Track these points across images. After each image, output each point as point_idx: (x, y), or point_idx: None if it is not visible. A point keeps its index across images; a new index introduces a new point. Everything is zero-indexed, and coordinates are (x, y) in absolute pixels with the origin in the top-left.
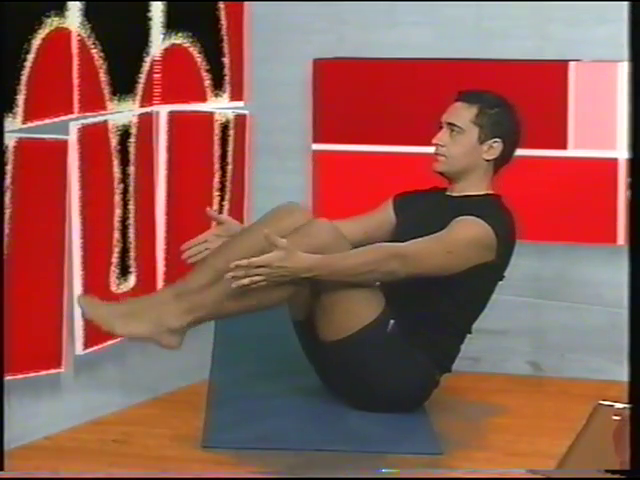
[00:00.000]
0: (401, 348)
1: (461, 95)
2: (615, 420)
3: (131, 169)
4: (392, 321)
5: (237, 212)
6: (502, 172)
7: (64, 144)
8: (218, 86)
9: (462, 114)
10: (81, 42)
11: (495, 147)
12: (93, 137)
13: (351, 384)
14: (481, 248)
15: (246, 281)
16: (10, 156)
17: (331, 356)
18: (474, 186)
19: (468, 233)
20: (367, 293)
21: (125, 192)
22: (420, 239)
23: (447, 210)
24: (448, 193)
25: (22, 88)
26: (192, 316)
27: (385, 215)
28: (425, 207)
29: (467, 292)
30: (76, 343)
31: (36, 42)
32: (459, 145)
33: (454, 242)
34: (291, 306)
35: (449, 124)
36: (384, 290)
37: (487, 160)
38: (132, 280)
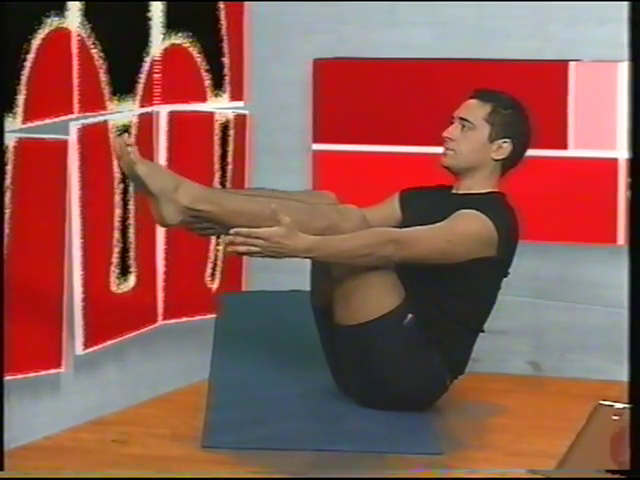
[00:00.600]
0: (416, 345)
1: (476, 93)
2: (615, 420)
3: None
4: (410, 315)
5: None
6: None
7: (64, 144)
8: (218, 86)
9: (475, 110)
10: (81, 42)
11: (504, 147)
12: (93, 137)
13: (360, 373)
14: (481, 241)
15: (242, 249)
16: (10, 156)
17: (345, 341)
18: (480, 184)
19: (468, 225)
20: (388, 283)
21: (125, 192)
22: (420, 227)
23: (451, 206)
24: (454, 191)
25: (22, 88)
26: (204, 205)
27: (390, 209)
28: (430, 203)
29: (471, 289)
30: (76, 343)
31: (36, 42)
32: (469, 141)
33: (453, 231)
34: (312, 292)
35: (461, 119)
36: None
37: (495, 160)
38: (132, 280)
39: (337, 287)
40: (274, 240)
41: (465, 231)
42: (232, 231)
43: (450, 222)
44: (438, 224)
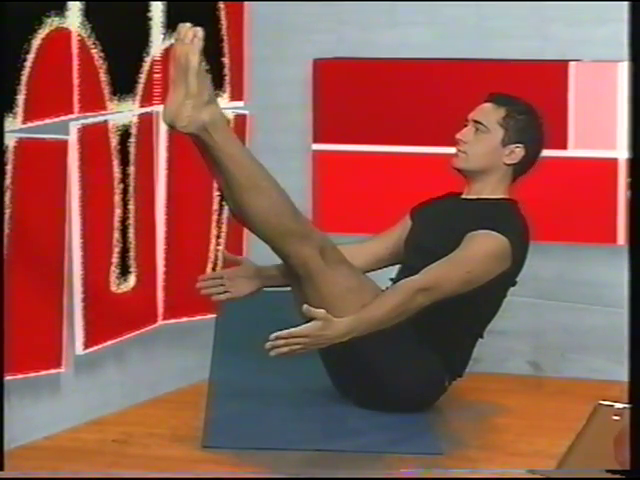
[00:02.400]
0: (408, 346)
1: (491, 97)
2: (615, 420)
3: (131, 169)
4: None
5: None
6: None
7: (64, 144)
8: (218, 86)
9: (490, 114)
10: (81, 42)
11: (517, 152)
12: (93, 137)
13: (354, 379)
14: (497, 260)
15: (285, 350)
16: (10, 156)
17: (335, 350)
18: (490, 189)
19: (483, 249)
20: (364, 295)
21: (125, 192)
22: (436, 264)
23: (462, 213)
24: (464, 196)
25: (22, 88)
26: (216, 133)
27: (404, 229)
28: (441, 210)
29: (482, 299)
30: (76, 343)
31: (36, 42)
32: (481, 144)
33: (471, 261)
34: (298, 306)
35: (475, 122)
36: None
37: (507, 164)
38: (132, 280)
39: (313, 304)
40: (314, 335)
41: (482, 256)
42: (272, 336)
43: (465, 250)
44: (453, 256)
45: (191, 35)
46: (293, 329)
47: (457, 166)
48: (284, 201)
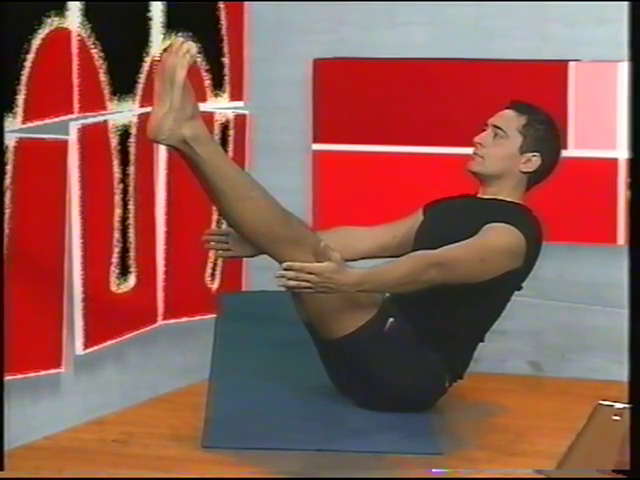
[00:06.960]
0: (407, 347)
1: (513, 104)
2: (615, 420)
3: (131, 169)
4: (390, 319)
5: None
6: None
7: (64, 144)
8: (218, 86)
9: (510, 120)
10: (81, 42)
11: (533, 161)
12: (93, 137)
13: (353, 380)
14: (512, 255)
15: (292, 283)
16: (10, 156)
17: (332, 352)
18: (505, 194)
19: (501, 241)
20: (357, 295)
21: (125, 192)
22: (453, 245)
23: (479, 208)
24: (479, 196)
25: (22, 88)
26: (199, 147)
27: (415, 221)
28: (457, 205)
29: (488, 301)
30: (76, 343)
31: (36, 42)
32: (499, 148)
33: (487, 249)
34: (296, 308)
35: (495, 127)
36: (404, 295)
37: (522, 172)
38: (132, 280)
39: (309, 305)
40: (325, 276)
41: (498, 247)
42: (284, 265)
43: (482, 238)
44: (470, 241)
45: (184, 49)
46: (306, 264)
47: (473, 169)
48: (273, 209)
